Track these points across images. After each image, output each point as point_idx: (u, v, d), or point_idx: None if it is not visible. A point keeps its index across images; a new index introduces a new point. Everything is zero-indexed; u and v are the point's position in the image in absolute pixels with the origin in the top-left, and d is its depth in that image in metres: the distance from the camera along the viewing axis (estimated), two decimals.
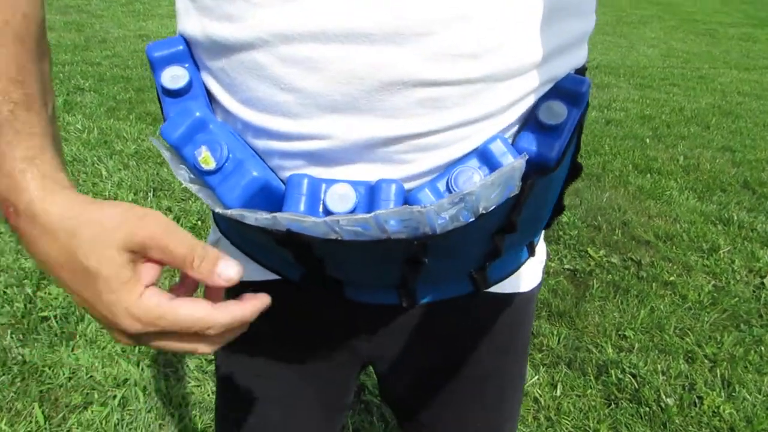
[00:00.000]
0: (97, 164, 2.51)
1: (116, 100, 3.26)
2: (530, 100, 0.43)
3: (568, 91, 0.43)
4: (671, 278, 2.00)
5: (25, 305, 1.70)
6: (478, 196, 0.39)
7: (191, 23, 0.42)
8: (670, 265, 2.09)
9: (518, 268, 0.56)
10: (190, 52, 0.44)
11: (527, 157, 0.41)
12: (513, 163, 0.39)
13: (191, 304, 0.34)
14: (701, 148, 3.17)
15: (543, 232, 0.61)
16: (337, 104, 0.39)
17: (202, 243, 0.35)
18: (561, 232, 2.24)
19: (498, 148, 0.41)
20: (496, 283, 0.54)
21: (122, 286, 0.32)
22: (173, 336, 0.35)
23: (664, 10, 7.83)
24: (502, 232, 0.45)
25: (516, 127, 0.43)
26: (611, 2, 8.62)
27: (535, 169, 0.42)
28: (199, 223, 2.16)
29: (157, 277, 0.34)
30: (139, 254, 0.33)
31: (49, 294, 1.74)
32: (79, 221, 0.33)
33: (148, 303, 0.33)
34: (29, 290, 1.75)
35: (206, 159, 0.41)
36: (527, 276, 0.59)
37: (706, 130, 3.46)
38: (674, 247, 2.20)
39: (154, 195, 2.31)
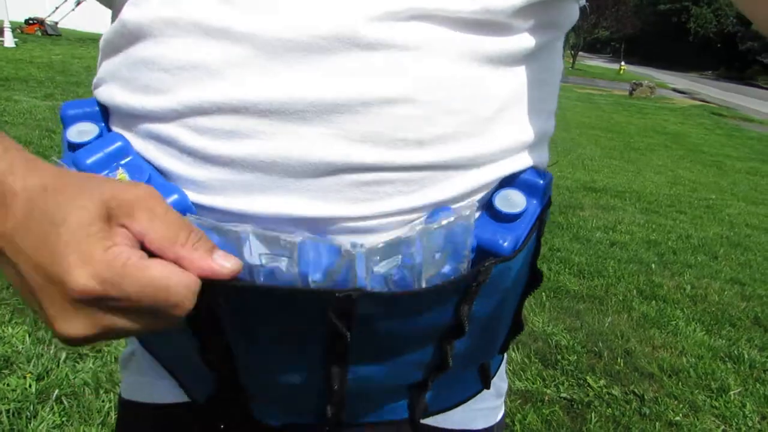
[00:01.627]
0: None
1: None
2: (485, 191, 0.40)
3: (528, 182, 0.41)
4: (677, 418, 1.85)
5: None
6: (419, 249, 0.35)
7: (106, 91, 0.40)
8: (676, 403, 1.94)
9: (467, 398, 0.49)
10: (103, 115, 0.41)
11: (476, 212, 0.38)
12: (460, 215, 0.36)
13: (165, 265, 0.28)
14: (709, 278, 3.09)
15: (503, 362, 0.55)
16: (258, 182, 0.35)
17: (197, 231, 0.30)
18: (559, 356, 2.12)
19: (447, 214, 0.37)
20: (438, 412, 0.47)
21: (88, 236, 0.27)
22: (130, 311, 0.28)
23: (671, 140, 8.08)
24: (449, 336, 0.40)
25: None
26: (620, 129, 8.95)
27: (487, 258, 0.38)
28: None
29: (132, 246, 0.28)
30: (117, 217, 0.28)
31: (7, 385, 1.64)
32: (61, 180, 0.28)
33: (116, 256, 0.27)
34: None
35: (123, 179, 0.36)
36: (482, 409, 0.52)
37: (714, 260, 3.40)
38: (680, 383, 2.05)
39: None
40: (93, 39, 12.53)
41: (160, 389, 0.51)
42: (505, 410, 0.57)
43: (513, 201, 0.40)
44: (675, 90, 19.04)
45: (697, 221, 4.14)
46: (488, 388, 0.50)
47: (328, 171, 0.35)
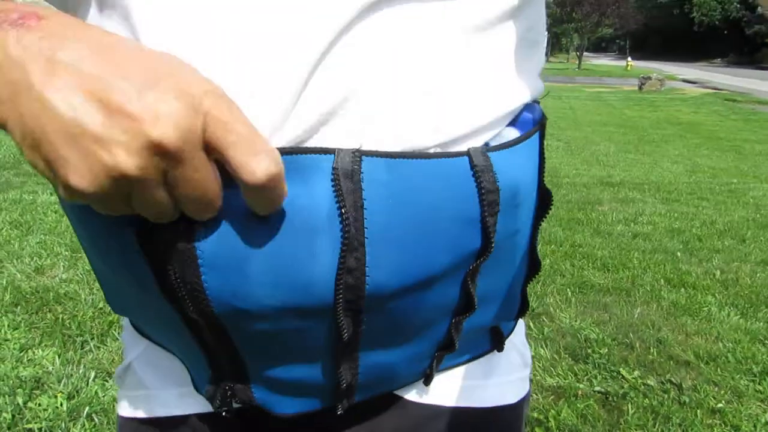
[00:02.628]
0: None
1: None
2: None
3: (520, 119, 0.41)
4: (719, 405, 1.78)
5: (13, 416, 1.61)
6: None
7: None
8: (716, 389, 1.87)
9: (477, 356, 0.47)
10: None
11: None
12: None
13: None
14: (738, 261, 3.01)
15: (523, 327, 0.53)
16: None
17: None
18: (589, 350, 2.07)
19: None
20: (448, 368, 0.45)
21: (182, 68, 0.28)
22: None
23: (685, 130, 7.97)
24: (474, 259, 0.37)
25: None
26: (632, 124, 8.86)
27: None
28: None
29: None
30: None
31: (39, 405, 1.65)
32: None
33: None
34: (20, 400, 1.66)
35: None
36: (513, 381, 0.50)
37: (742, 243, 3.32)
38: (719, 369, 1.99)
39: None
40: None
41: (164, 400, 0.48)
42: (531, 383, 0.55)
43: (506, 136, 0.40)
44: (685, 80, 18.85)
45: (720, 206, 4.06)
46: (501, 350, 0.48)
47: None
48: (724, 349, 2.12)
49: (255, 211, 0.31)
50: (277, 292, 0.33)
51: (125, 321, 0.52)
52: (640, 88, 15.36)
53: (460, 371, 0.47)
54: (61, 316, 2.13)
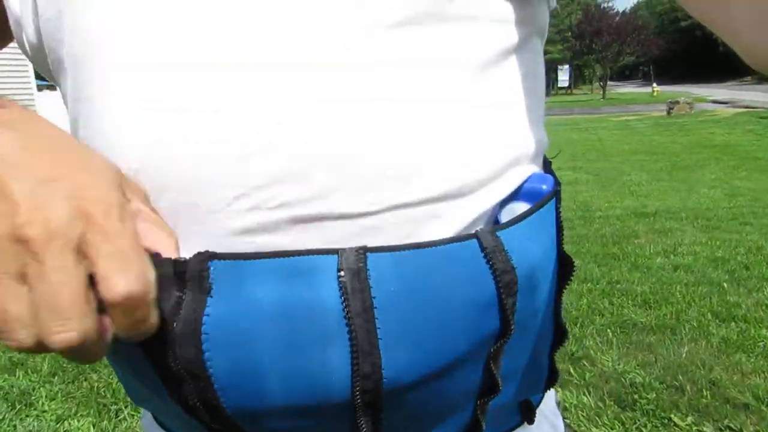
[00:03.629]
0: None
1: None
2: (486, 216, 0.38)
3: (532, 191, 0.39)
4: None
5: None
6: None
7: None
8: None
9: (507, 431, 0.45)
10: None
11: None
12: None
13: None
14: None
15: (553, 395, 0.50)
16: None
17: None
18: (636, 395, 1.96)
19: None
20: None
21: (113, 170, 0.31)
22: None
23: (720, 152, 7.77)
24: (494, 341, 0.36)
25: None
26: (663, 150, 8.69)
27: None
28: None
29: None
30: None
31: None
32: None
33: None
34: None
35: None
36: None
37: None
38: None
39: None
40: None
41: None
42: None
43: (517, 210, 0.38)
44: (715, 101, 18.53)
45: (765, 230, 3.88)
46: (531, 422, 0.45)
47: (303, 222, 0.33)
48: None
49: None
50: (291, 394, 0.33)
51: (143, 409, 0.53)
52: (669, 112, 15.15)
53: None
54: (96, 384, 2.14)
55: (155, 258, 0.31)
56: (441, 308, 0.33)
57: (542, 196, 0.39)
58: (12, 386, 2.13)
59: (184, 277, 0.32)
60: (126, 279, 0.27)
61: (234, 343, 0.32)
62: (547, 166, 0.44)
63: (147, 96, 0.33)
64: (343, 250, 0.32)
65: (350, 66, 0.32)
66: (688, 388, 2.00)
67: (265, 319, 0.31)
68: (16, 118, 0.30)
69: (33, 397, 2.06)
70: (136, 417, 1.93)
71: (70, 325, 0.27)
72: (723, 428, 1.79)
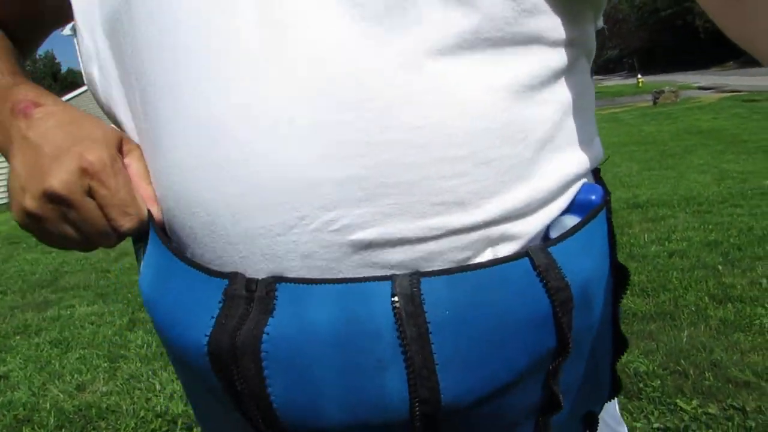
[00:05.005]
0: (152, 378, 2.53)
1: None
2: (541, 233, 0.38)
3: (581, 202, 0.39)
4: None
5: None
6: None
7: None
8: None
9: None
10: None
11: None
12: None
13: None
14: None
15: (615, 402, 0.51)
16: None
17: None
18: (641, 384, 1.96)
19: None
20: None
21: (110, 137, 0.41)
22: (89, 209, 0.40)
23: (707, 137, 7.81)
24: (553, 360, 0.36)
25: None
26: (652, 139, 8.74)
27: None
28: None
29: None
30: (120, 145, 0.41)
31: None
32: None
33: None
34: None
35: None
36: None
37: None
38: None
39: None
40: None
41: None
42: None
43: (567, 226, 0.37)
44: (700, 88, 18.65)
45: (755, 211, 3.90)
46: (595, 431, 0.44)
47: (363, 248, 0.34)
48: None
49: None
50: (349, 414, 0.34)
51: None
52: (655, 102, 15.24)
53: None
54: None
55: (230, 277, 0.36)
56: (496, 329, 0.33)
57: (592, 207, 0.38)
58: None
59: (253, 296, 0.34)
60: (129, 222, 0.41)
61: (292, 363, 0.33)
62: (596, 173, 0.44)
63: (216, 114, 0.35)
64: (397, 275, 0.33)
65: (410, 94, 0.33)
66: (691, 371, 2.01)
67: (322, 342, 0.33)
68: (49, 113, 0.41)
69: None
70: None
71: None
72: (727, 408, 1.79)
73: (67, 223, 0.40)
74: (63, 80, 38.28)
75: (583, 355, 0.38)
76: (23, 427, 2.25)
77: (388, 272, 0.34)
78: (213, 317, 0.35)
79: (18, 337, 3.33)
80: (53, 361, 2.89)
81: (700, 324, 2.37)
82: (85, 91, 20.61)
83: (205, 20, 0.34)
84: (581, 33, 0.39)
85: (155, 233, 0.41)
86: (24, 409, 2.41)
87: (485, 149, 0.34)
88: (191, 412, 2.20)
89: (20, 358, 2.99)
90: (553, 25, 0.36)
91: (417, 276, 0.33)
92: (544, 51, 0.36)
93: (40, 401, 2.46)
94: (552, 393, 0.37)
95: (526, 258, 0.34)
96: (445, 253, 0.34)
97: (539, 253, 0.34)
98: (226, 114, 0.34)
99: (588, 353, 0.39)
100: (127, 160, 0.41)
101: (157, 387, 2.44)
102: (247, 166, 0.34)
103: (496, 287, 0.33)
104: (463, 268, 0.33)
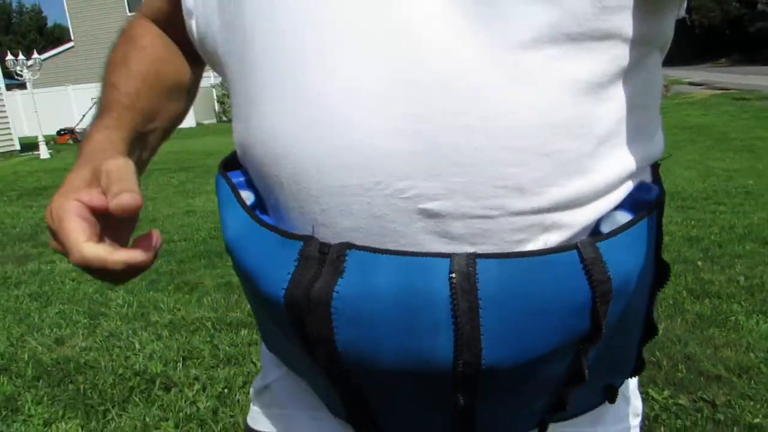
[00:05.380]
0: (132, 337, 2.53)
1: (158, 273, 3.39)
2: (591, 226, 0.40)
3: (636, 200, 0.41)
4: (756, 420, 1.71)
5: None
6: None
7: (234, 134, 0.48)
8: (752, 404, 1.80)
9: (588, 409, 0.49)
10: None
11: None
12: None
13: (93, 246, 0.39)
14: (762, 265, 2.93)
15: (635, 378, 0.54)
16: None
17: (126, 178, 0.40)
18: None
19: None
20: (558, 420, 0.48)
21: (68, 189, 0.41)
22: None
23: (696, 133, 7.88)
24: (585, 342, 0.39)
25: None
26: None
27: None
28: (226, 390, 2.06)
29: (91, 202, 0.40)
30: (94, 178, 0.41)
31: None
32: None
33: (66, 209, 0.40)
34: None
35: None
36: (620, 431, 0.51)
37: (764, 246, 3.23)
38: (752, 382, 1.92)
39: (183, 364, 2.27)
40: None
41: (299, 421, 0.54)
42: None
43: (618, 222, 0.39)
44: (691, 83, 18.73)
45: (737, 209, 3.97)
46: (612, 402, 0.48)
47: (428, 216, 0.37)
48: (756, 360, 2.04)
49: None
50: (400, 364, 0.39)
51: (262, 346, 0.60)
52: None
53: (569, 421, 0.49)
54: (82, 386, 2.14)
55: (305, 239, 0.40)
56: (538, 311, 0.36)
57: (646, 206, 0.40)
58: None
59: (325, 258, 0.38)
60: (71, 258, 0.40)
61: (357, 318, 0.37)
62: (655, 170, 0.45)
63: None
64: (456, 254, 0.36)
65: (488, 84, 0.35)
66: (664, 363, 2.06)
67: (384, 304, 0.37)
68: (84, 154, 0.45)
69: (19, 402, 2.06)
70: (123, 417, 1.94)
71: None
72: (697, 400, 1.85)
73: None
74: (49, 34, 37.01)
75: (613, 337, 0.40)
76: (1, 375, 2.25)
77: (448, 243, 0.37)
78: (289, 273, 0.39)
79: None
80: (32, 314, 2.87)
81: (676, 317, 2.42)
82: (71, 47, 20.16)
83: None
84: (659, 27, 0.40)
85: (232, 197, 0.45)
86: (2, 359, 2.40)
87: (547, 142, 0.36)
88: (170, 372, 2.22)
89: None
90: (632, 21, 0.37)
91: (473, 256, 0.36)
92: (618, 47, 0.37)
93: (18, 351, 2.45)
94: (579, 368, 0.40)
95: (575, 250, 0.36)
96: (501, 233, 0.37)
97: (588, 247, 0.36)
98: (321, 79, 0.37)
99: (618, 336, 0.42)
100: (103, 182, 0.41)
101: (137, 346, 2.45)
102: (333, 129, 0.37)
103: (543, 274, 0.36)
104: (516, 254, 0.37)
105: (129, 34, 0.54)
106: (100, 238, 0.39)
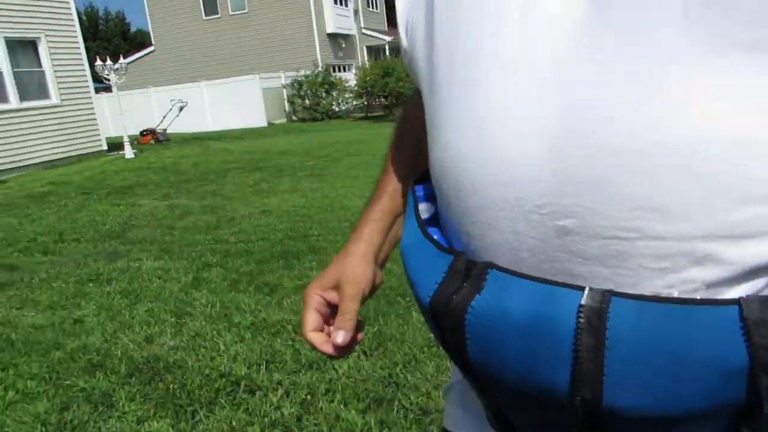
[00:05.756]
0: (216, 338, 2.58)
1: (238, 273, 3.47)
2: None
3: None
4: None
5: None
6: None
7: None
8: None
9: None
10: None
11: None
12: None
13: (313, 334, 0.56)
14: None
15: None
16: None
17: (349, 312, 0.55)
18: None
19: None
20: None
21: (322, 282, 0.58)
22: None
23: None
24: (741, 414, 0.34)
25: None
26: None
27: None
28: (309, 397, 2.06)
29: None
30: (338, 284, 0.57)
31: None
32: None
33: (312, 298, 0.57)
34: None
35: None
36: None
37: None
38: None
39: (266, 368, 2.28)
40: (194, 138, 13.74)
41: (474, 424, 0.56)
42: None
43: None
44: None
45: None
46: None
47: (564, 234, 0.37)
48: None
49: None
50: (520, 384, 0.40)
51: None
52: None
53: None
54: (171, 385, 2.20)
55: (456, 254, 0.44)
56: (676, 366, 0.33)
57: None
58: (93, 388, 2.22)
59: (470, 274, 0.41)
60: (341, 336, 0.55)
61: (486, 332, 0.40)
62: None
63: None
64: (591, 289, 0.35)
65: (639, 108, 0.34)
66: None
67: (511, 324, 0.38)
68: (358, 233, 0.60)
69: (113, 399, 2.14)
70: (211, 418, 1.97)
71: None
72: None
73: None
74: (132, 40, 39.38)
75: None
76: (97, 371, 2.35)
77: (584, 263, 0.37)
78: (437, 283, 0.43)
79: (91, 284, 3.47)
80: (123, 311, 3.00)
81: None
82: (152, 51, 21.26)
83: (495, 27, 0.40)
84: None
85: (412, 209, 0.51)
86: (97, 354, 2.51)
87: (704, 161, 0.32)
88: (254, 376, 2.24)
89: (94, 305, 3.12)
90: None
91: (608, 294, 0.34)
92: None
93: (112, 348, 2.56)
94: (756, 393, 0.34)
95: (737, 306, 0.32)
96: (639, 258, 0.35)
97: (754, 305, 0.31)
98: (484, 108, 0.40)
99: None
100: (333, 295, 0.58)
101: (221, 347, 2.49)
102: (486, 148, 0.40)
103: (689, 327, 0.32)
104: (658, 298, 0.33)
105: (406, 109, 0.62)
106: (327, 322, 0.57)
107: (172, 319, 2.84)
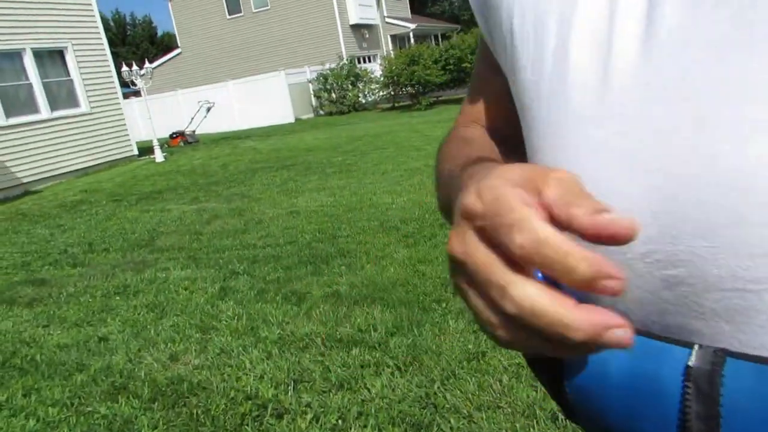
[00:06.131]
0: (242, 355, 2.45)
1: (266, 281, 3.34)
2: None
3: None
4: None
5: None
6: None
7: None
8: None
9: None
10: None
11: None
12: None
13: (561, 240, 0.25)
14: None
15: None
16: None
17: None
18: None
19: None
20: None
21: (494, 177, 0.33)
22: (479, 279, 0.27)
23: None
24: None
25: None
26: None
27: None
28: (340, 422, 1.90)
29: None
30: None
31: None
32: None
33: (496, 190, 0.27)
34: None
35: None
36: None
37: None
38: None
39: (294, 388, 2.14)
40: (223, 137, 13.80)
41: None
42: None
43: None
44: None
45: None
46: None
47: (674, 284, 0.34)
48: None
49: None
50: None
51: None
52: None
53: None
54: (195, 410, 2.08)
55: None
56: None
57: None
58: (115, 415, 2.11)
59: None
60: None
61: (586, 391, 0.39)
62: None
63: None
64: (700, 346, 0.32)
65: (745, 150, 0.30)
66: None
67: (612, 384, 0.36)
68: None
69: (135, 427, 2.03)
70: None
71: None
72: None
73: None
74: (159, 43, 40.05)
75: None
76: (119, 395, 2.25)
77: (699, 318, 0.33)
78: None
79: (118, 298, 3.40)
80: (149, 327, 2.90)
81: None
82: (178, 54, 21.50)
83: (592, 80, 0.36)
84: None
85: None
86: (120, 377, 2.41)
87: None
88: (281, 397, 2.10)
89: (119, 321, 3.04)
90: None
91: (722, 354, 0.31)
92: None
93: (136, 369, 2.46)
94: None
95: None
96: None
97: None
98: (575, 143, 0.37)
99: None
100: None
101: (247, 365, 2.36)
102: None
103: None
104: None
105: (455, 135, 0.55)
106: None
107: (198, 335, 2.72)
